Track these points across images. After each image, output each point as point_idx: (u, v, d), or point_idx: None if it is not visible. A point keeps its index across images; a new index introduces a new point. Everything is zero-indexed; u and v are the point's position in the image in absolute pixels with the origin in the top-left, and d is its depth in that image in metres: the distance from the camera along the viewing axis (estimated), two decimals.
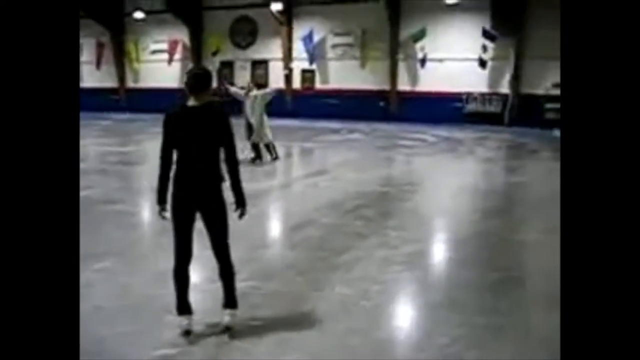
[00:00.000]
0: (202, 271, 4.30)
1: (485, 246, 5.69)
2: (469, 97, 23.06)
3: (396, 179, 9.79)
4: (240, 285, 4.30)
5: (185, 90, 3.45)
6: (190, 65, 27.87)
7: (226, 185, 3.51)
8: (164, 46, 27.46)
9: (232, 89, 12.53)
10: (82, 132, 6.85)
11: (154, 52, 27.45)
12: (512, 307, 4.08)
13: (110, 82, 28.53)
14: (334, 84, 24.99)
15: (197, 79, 3.41)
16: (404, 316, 4.12)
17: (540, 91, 22.21)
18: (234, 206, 3.54)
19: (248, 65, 27.15)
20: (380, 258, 5.16)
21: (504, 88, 22.72)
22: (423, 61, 22.88)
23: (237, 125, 4.24)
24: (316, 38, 24.66)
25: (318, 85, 25.66)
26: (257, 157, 11.12)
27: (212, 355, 3.38)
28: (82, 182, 5.45)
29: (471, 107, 23.05)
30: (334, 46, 25.04)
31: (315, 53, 24.70)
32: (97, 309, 3.95)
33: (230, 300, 3.68)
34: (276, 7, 23.81)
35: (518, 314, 3.97)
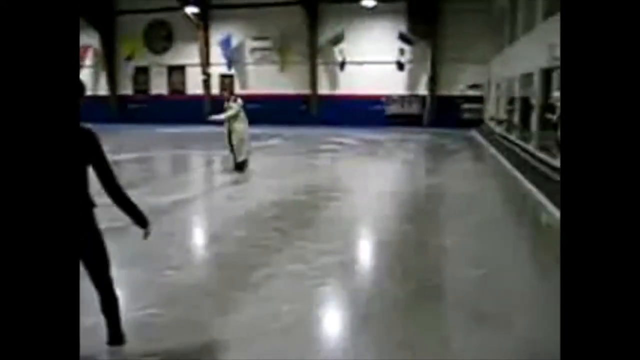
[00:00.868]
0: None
1: (403, 254, 5.53)
2: (389, 99, 23.37)
3: (314, 185, 9.55)
4: (138, 314, 3.88)
5: None
6: (102, 72, 26.70)
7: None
8: None
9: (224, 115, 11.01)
10: None
11: None
12: (430, 322, 3.89)
13: None
14: (253, 89, 24.61)
15: None
16: (316, 339, 3.83)
17: (456, 93, 22.84)
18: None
19: (164, 71, 26.27)
20: (294, 273, 4.85)
21: (422, 90, 23.20)
22: (342, 64, 22.97)
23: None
24: (234, 42, 24.20)
25: (237, 90, 25.18)
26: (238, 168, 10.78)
27: None
28: None
29: (391, 109, 23.37)
30: (253, 50, 24.69)
31: (233, 58, 24.23)
32: None
33: (116, 336, 3.26)
34: (191, 10, 23.12)
35: (436, 332, 3.77)
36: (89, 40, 26.00)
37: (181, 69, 25.92)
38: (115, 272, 3.29)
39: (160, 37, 26.00)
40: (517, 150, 13.18)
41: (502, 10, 18.54)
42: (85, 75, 26.69)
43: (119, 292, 3.32)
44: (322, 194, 8.59)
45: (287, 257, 5.31)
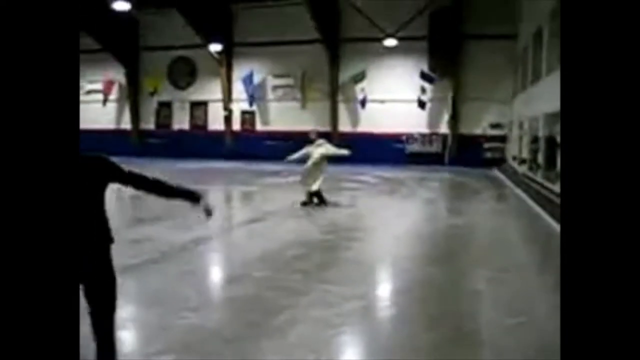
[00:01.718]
0: None
1: (430, 298, 5.29)
2: (409, 137, 23.26)
3: (337, 224, 9.36)
4: None
5: None
6: (127, 106, 27.09)
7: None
8: (99, 86, 26.54)
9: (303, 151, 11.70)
10: None
11: (89, 92, 26.40)
12: None
13: None
14: (274, 125, 24.72)
15: None
16: None
17: (478, 131, 22.66)
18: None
19: (187, 106, 26.56)
20: (318, 319, 4.64)
21: (443, 128, 23.07)
22: (363, 102, 23.00)
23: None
24: (256, 79, 24.43)
25: (259, 126, 25.31)
26: (314, 202, 11.05)
27: None
28: None
29: (412, 147, 23.24)
30: (275, 87, 24.88)
31: (255, 94, 24.43)
32: None
33: None
34: (215, 47, 23.45)
35: None
36: (116, 75, 26.50)
37: (203, 104, 26.19)
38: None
39: (184, 73, 26.38)
40: (542, 189, 12.90)
41: (525, 49, 18.47)
42: (110, 109, 27.13)
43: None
44: (343, 234, 8.39)
45: (311, 301, 5.11)
